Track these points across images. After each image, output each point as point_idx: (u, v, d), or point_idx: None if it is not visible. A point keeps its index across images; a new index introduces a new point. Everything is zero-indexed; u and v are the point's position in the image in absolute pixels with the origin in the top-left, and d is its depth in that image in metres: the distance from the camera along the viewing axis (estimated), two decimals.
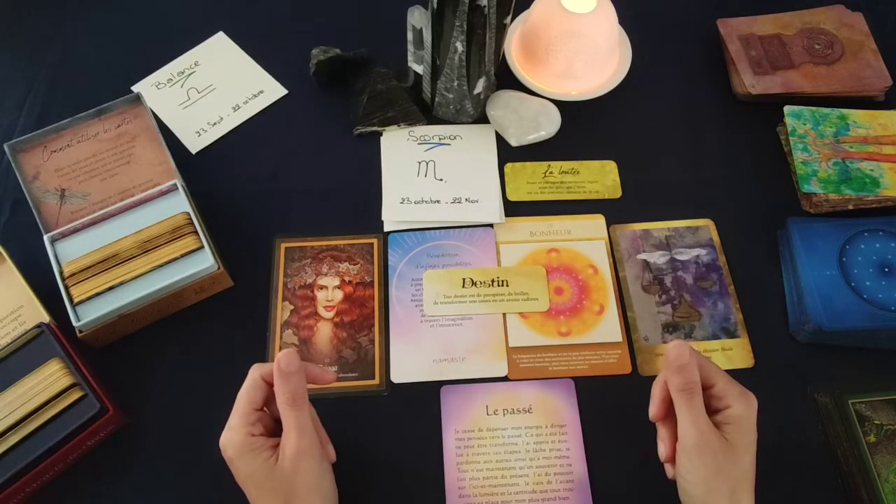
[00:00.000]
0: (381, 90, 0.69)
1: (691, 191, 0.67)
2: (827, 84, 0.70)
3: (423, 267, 0.62)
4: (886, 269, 0.58)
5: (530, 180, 0.67)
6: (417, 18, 0.64)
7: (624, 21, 0.71)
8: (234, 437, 0.44)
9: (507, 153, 0.69)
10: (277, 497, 0.43)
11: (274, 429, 0.46)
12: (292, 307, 0.60)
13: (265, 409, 0.47)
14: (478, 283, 0.61)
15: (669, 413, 0.47)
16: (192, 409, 0.56)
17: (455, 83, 0.65)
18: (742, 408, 0.45)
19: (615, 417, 0.56)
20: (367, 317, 0.60)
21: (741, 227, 0.65)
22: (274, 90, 0.73)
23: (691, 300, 0.61)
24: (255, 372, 0.46)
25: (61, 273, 0.56)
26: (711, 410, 0.46)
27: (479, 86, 0.66)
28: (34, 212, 0.59)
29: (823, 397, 0.56)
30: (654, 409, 0.48)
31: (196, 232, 0.58)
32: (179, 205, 0.60)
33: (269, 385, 0.45)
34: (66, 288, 0.55)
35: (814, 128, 0.66)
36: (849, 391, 0.55)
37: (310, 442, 0.44)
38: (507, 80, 0.71)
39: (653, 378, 0.57)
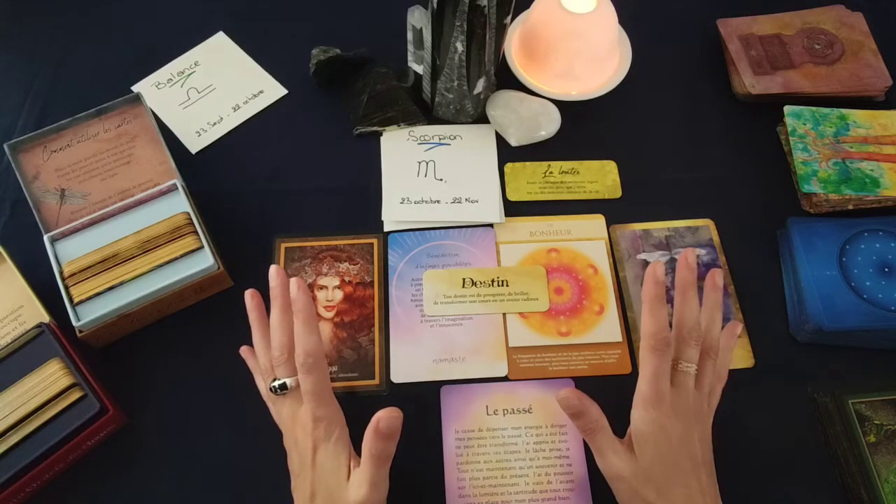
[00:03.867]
0: (381, 90, 0.69)
1: (691, 191, 0.67)
2: (827, 84, 0.70)
3: (423, 267, 0.62)
4: (886, 269, 0.58)
5: (530, 180, 0.67)
6: (417, 18, 0.64)
7: (624, 21, 0.71)
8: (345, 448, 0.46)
9: (507, 153, 0.69)
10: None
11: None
12: None
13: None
14: (478, 283, 0.61)
15: None
16: (192, 409, 0.56)
17: (455, 83, 0.65)
18: (637, 422, 0.46)
19: (615, 417, 0.56)
20: (367, 317, 0.60)
21: (741, 227, 0.65)
22: (274, 90, 0.73)
23: None
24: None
25: (61, 273, 0.56)
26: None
27: (479, 86, 0.66)
28: (34, 212, 0.59)
29: (823, 397, 0.56)
30: None
31: (196, 232, 0.58)
32: (179, 205, 0.60)
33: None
34: (66, 288, 0.55)
35: (814, 128, 0.66)
36: (849, 391, 0.55)
37: (378, 498, 0.44)
38: (507, 80, 0.71)
39: None
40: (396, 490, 0.46)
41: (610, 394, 0.57)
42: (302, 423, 0.46)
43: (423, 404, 0.56)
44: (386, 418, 0.44)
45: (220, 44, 0.76)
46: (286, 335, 0.48)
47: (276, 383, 0.48)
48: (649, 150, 0.69)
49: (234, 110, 0.71)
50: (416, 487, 0.53)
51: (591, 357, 0.59)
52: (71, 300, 0.55)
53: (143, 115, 0.65)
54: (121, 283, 0.56)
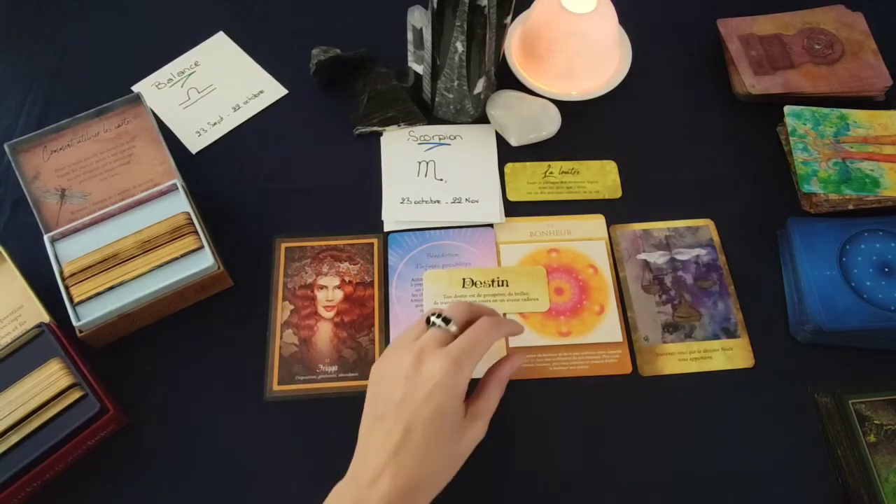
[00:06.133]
0: (381, 90, 0.69)
1: (691, 191, 0.67)
2: (827, 84, 0.70)
3: (423, 267, 0.62)
4: (886, 269, 0.58)
5: (530, 180, 0.67)
6: (417, 18, 0.64)
7: (624, 21, 0.71)
8: (461, 378, 0.44)
9: (507, 153, 0.69)
10: (444, 442, 0.44)
11: None
12: (292, 307, 0.60)
13: None
14: (478, 283, 0.61)
15: None
16: (192, 409, 0.56)
17: (455, 83, 0.65)
18: None
19: (615, 417, 0.56)
20: (367, 317, 0.60)
21: (741, 227, 0.65)
22: (274, 90, 0.73)
23: (691, 300, 0.61)
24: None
25: (61, 273, 0.56)
26: None
27: (479, 86, 0.66)
28: (34, 212, 0.59)
29: (823, 397, 0.56)
30: None
31: (196, 232, 0.58)
32: (179, 205, 0.60)
33: None
34: (66, 288, 0.55)
35: (814, 128, 0.66)
36: (849, 391, 0.55)
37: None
38: (507, 80, 0.71)
39: (653, 378, 0.58)
40: None
41: (610, 394, 0.57)
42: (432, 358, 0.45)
43: None
44: (519, 356, 0.50)
45: (220, 44, 0.76)
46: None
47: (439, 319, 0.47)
48: (649, 150, 0.69)
49: (235, 110, 0.71)
50: None
51: (591, 357, 0.59)
52: (71, 300, 0.55)
53: (143, 115, 0.65)
54: (121, 283, 0.56)
